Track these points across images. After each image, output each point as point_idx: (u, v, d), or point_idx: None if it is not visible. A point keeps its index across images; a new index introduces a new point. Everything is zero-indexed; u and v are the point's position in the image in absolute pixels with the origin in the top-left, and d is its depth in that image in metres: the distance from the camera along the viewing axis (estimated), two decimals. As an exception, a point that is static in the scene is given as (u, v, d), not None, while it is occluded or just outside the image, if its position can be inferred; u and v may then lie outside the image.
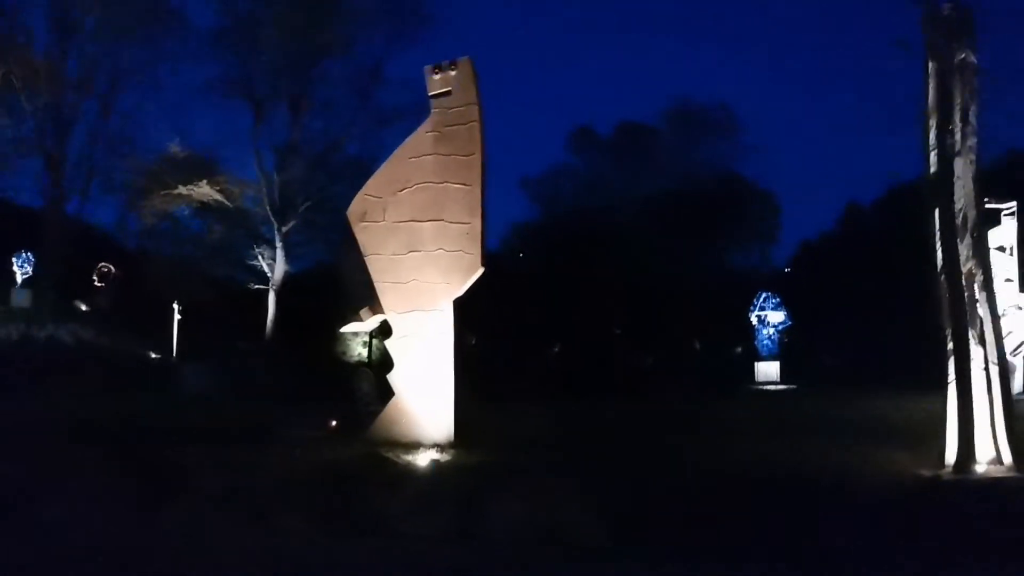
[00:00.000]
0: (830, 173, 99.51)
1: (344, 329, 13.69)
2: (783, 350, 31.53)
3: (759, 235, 48.58)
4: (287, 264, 35.14)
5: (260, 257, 34.97)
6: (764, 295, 32.34)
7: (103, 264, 36.93)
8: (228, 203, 34.48)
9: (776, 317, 31.72)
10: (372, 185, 13.54)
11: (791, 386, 27.86)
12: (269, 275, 34.84)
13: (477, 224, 12.93)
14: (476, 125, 13.04)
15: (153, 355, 32.61)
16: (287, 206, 34.37)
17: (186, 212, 35.38)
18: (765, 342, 31.52)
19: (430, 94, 13.25)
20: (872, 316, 36.63)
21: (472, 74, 13.11)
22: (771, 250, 50.08)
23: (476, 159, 12.99)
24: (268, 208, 34.22)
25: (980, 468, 10.80)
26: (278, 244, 34.58)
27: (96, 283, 37.02)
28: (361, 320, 13.40)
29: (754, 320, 31.92)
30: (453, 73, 13.07)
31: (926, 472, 11.07)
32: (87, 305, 35.85)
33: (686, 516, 9.17)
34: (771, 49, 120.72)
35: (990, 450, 10.99)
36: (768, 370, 30.32)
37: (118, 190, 36.46)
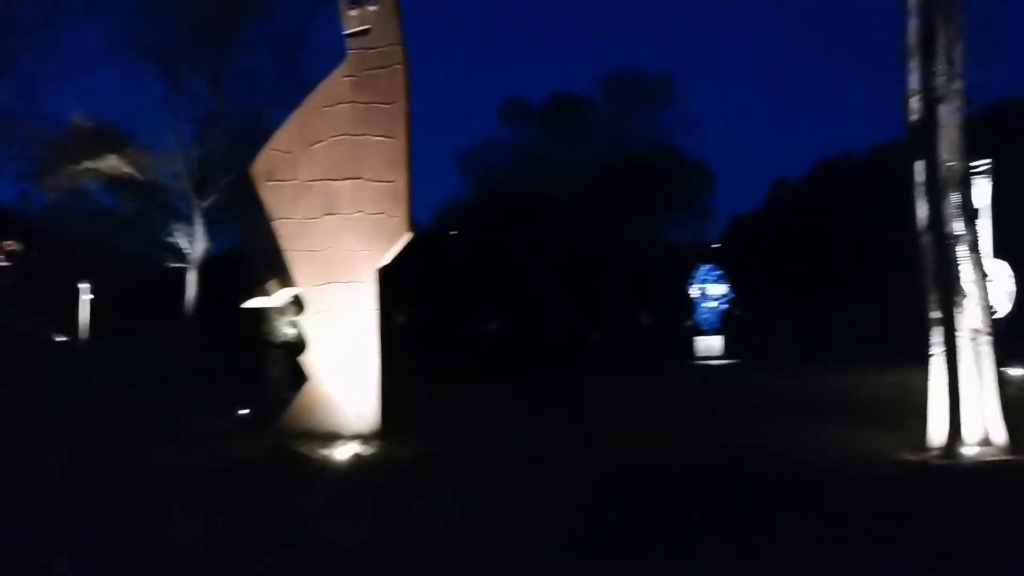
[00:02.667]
0: (758, 148, 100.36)
1: (248, 304, 12.00)
2: (725, 323, 30.52)
3: (695, 208, 48.01)
4: (208, 241, 33.06)
5: (178, 234, 32.85)
6: (705, 267, 31.24)
7: (7, 241, 34.46)
8: (141, 176, 32.20)
9: (718, 290, 30.66)
10: (280, 138, 11.80)
11: (734, 360, 26.85)
12: (188, 253, 32.74)
13: (402, 182, 11.33)
14: (400, 69, 11.40)
15: (58, 338, 30.43)
16: (207, 180, 32.19)
17: (95, 187, 33.15)
18: (706, 315, 30.44)
19: (345, 32, 11.54)
20: (806, 291, 36.33)
21: (395, 10, 11.44)
22: (706, 224, 49.82)
23: (400, 108, 11.36)
24: (186, 182, 32.04)
25: (969, 450, 9.65)
26: (198, 220, 32.46)
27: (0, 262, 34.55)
28: (267, 294, 11.73)
29: (695, 293, 30.80)
30: (372, 8, 11.37)
31: (911, 455, 9.91)
32: (-10, 285, 33.36)
33: (647, 512, 7.85)
34: (705, 16, 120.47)
35: (979, 430, 9.84)
36: (710, 344, 29.27)
37: (18, 163, 33.77)
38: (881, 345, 19.11)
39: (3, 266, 34.50)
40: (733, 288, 30.71)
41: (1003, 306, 16.74)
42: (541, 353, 25.87)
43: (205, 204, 32.12)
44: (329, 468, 9.91)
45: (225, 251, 34.93)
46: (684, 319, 31.79)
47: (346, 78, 11.54)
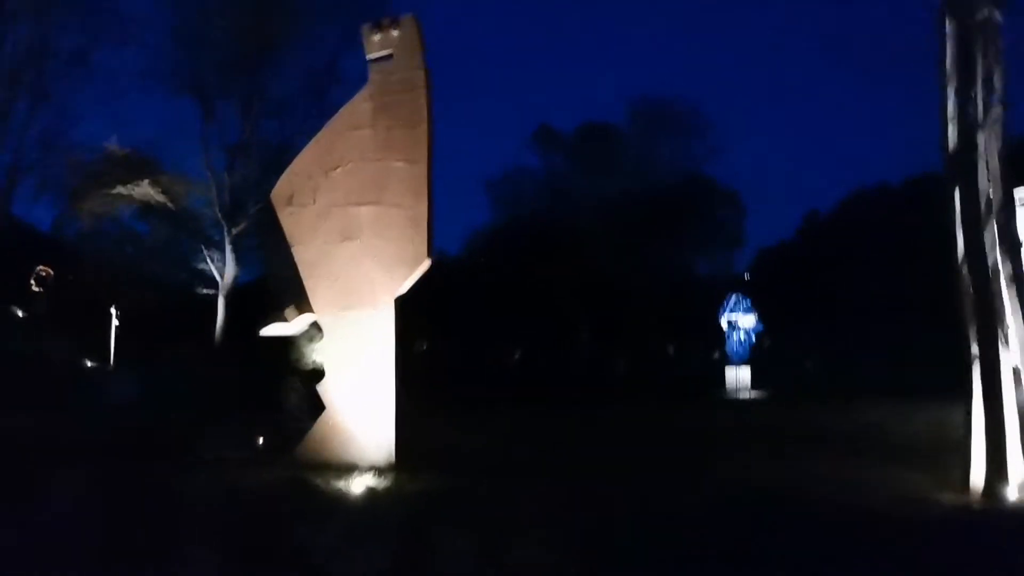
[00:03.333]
0: (790, 178, 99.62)
1: (265, 331, 11.77)
2: (754, 355, 29.98)
3: (724, 239, 47.49)
4: (238, 268, 33.20)
5: (209, 260, 33.05)
6: (734, 298, 30.79)
7: (41, 267, 34.75)
8: (173, 204, 32.50)
9: (747, 321, 30.19)
10: (300, 163, 11.63)
11: (763, 393, 26.26)
12: (218, 279, 32.89)
13: (423, 208, 11.08)
14: (422, 93, 11.20)
15: (89, 363, 30.51)
16: (237, 208, 32.49)
17: (128, 213, 33.52)
18: (736, 347, 29.93)
19: (368, 57, 11.39)
20: (838, 323, 35.68)
21: (418, 34, 11.25)
22: (736, 254, 49.29)
23: (422, 132, 11.15)
24: (217, 210, 32.29)
25: (1012, 493, 9.14)
26: (228, 247, 32.64)
27: (34, 287, 34.81)
28: (286, 320, 11.50)
29: (724, 324, 30.32)
30: (395, 33, 11.21)
31: (950, 498, 9.42)
32: (24, 311, 33.61)
33: (676, 553, 7.47)
34: (737, 45, 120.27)
35: (1021, 472, 9.34)
36: (739, 375, 28.74)
37: (53, 189, 34.19)
38: (915, 379, 18.56)
39: (37, 291, 34.78)
40: (762, 319, 30.20)
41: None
42: (566, 384, 25.46)
43: (235, 232, 32.36)
44: (342, 500, 9.61)
45: (255, 279, 35.05)
46: (713, 350, 31.31)
47: (368, 103, 11.37)
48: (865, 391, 20.27)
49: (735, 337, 29.85)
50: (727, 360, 29.70)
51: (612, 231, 39.43)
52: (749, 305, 30.54)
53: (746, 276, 46.24)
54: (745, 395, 26.42)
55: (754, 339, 29.98)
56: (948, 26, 10.07)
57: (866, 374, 26.91)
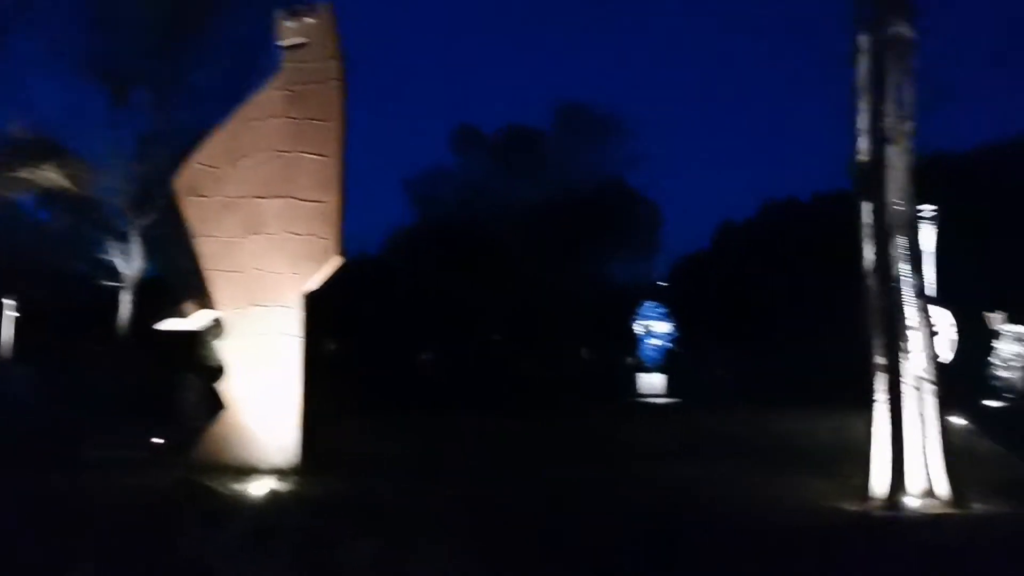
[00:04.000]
0: (707, 188, 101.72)
1: (162, 326, 11.27)
2: (668, 362, 30.24)
3: (641, 246, 48.01)
4: (144, 261, 32.02)
5: (114, 252, 31.77)
6: (649, 304, 31.02)
7: (-69, 256, 32.90)
8: (77, 191, 31.13)
9: (662, 327, 30.41)
10: (206, 152, 11.15)
11: (676, 399, 26.50)
12: (123, 272, 31.65)
13: (334, 203, 10.75)
14: (336, 84, 10.87)
15: (-24, 358, 29.05)
16: (146, 198, 31.25)
17: (28, 200, 31.97)
18: (650, 353, 30.13)
19: (281, 45, 11.00)
20: (750, 331, 36.47)
21: (333, 24, 10.92)
22: (653, 262, 49.91)
23: (335, 125, 10.82)
24: (124, 199, 31.06)
25: (912, 502, 9.31)
26: (134, 239, 31.44)
27: (-78, 278, 32.93)
28: (184, 316, 11.02)
29: (639, 330, 30.52)
30: (310, 21, 10.87)
31: (852, 506, 9.53)
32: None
33: (575, 559, 7.33)
34: (659, 55, 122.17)
35: (923, 481, 9.52)
36: (652, 381, 28.92)
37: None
38: (823, 389, 18.88)
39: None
40: (677, 326, 30.49)
41: (945, 355, 16.63)
42: (477, 387, 25.24)
43: (143, 223, 31.17)
44: (240, 504, 9.21)
45: (162, 272, 33.92)
46: (627, 356, 31.48)
47: (279, 92, 10.97)
48: (774, 400, 20.56)
49: (649, 343, 30.03)
50: (641, 366, 29.87)
51: (531, 234, 39.44)
52: (664, 312, 30.78)
53: (661, 283, 46.83)
54: (658, 401, 26.58)
55: (668, 345, 30.23)
56: (861, 41, 10.23)
57: (775, 383, 27.38)
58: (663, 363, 29.71)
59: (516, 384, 28.30)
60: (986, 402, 23.90)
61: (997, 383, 26.86)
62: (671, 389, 28.03)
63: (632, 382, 28.85)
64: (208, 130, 11.34)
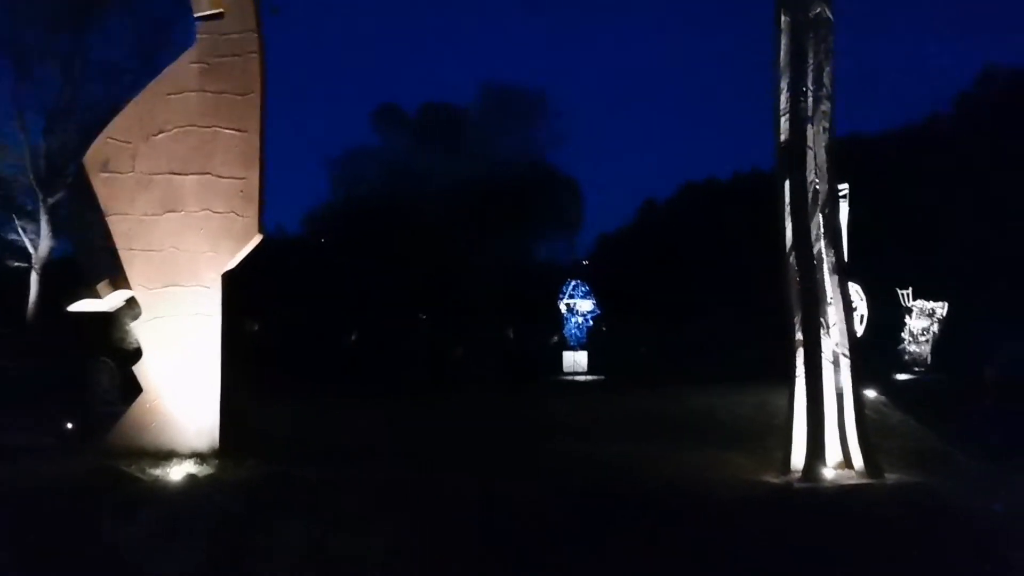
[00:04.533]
0: (630, 168, 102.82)
1: (75, 307, 10.80)
2: (592, 340, 30.50)
3: (564, 225, 48.23)
4: (54, 240, 30.83)
5: (21, 231, 30.51)
6: (573, 283, 31.17)
7: None
8: (-21, 167, 29.76)
9: (585, 306, 30.61)
10: (118, 126, 10.67)
11: (600, 377, 26.74)
12: (31, 252, 30.44)
13: (254, 180, 10.45)
14: (255, 58, 10.52)
15: None
16: (55, 175, 30.08)
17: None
18: (574, 331, 30.34)
19: (196, 15, 10.58)
20: (672, 309, 37.02)
21: (252, -6, 10.58)
22: (575, 241, 50.26)
23: (254, 100, 10.49)
24: (31, 177, 29.82)
25: (828, 473, 9.57)
26: (43, 217, 30.23)
27: None
28: (99, 296, 10.58)
29: (563, 308, 30.68)
30: (227, -9, 10.49)
31: (772, 479, 9.77)
32: None
33: (505, 537, 7.35)
34: (583, 35, 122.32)
35: (840, 453, 9.80)
36: (576, 359, 29.13)
37: None
38: (745, 365, 19.28)
39: None
40: (600, 304, 30.74)
41: (856, 328, 17.10)
42: (403, 368, 25.04)
43: (51, 201, 30.02)
44: (160, 490, 8.95)
45: (72, 252, 32.73)
46: (552, 334, 31.62)
47: (195, 64, 10.56)
48: (697, 376, 20.89)
49: (573, 321, 30.22)
50: (565, 344, 30.05)
51: (454, 214, 39.21)
52: (587, 290, 30.96)
53: (585, 262, 47.16)
54: (582, 379, 26.78)
55: (592, 324, 30.46)
56: (783, 21, 10.36)
57: (698, 360, 27.83)
58: (587, 341, 29.94)
59: (442, 364, 28.18)
60: (897, 375, 24.75)
61: (907, 357, 27.85)
62: (595, 367, 28.26)
63: (557, 361, 28.99)
64: (117, 104, 10.87)
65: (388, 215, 38.03)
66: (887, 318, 26.27)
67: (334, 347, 31.05)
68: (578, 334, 29.96)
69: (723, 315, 33.00)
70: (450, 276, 35.58)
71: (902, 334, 28.22)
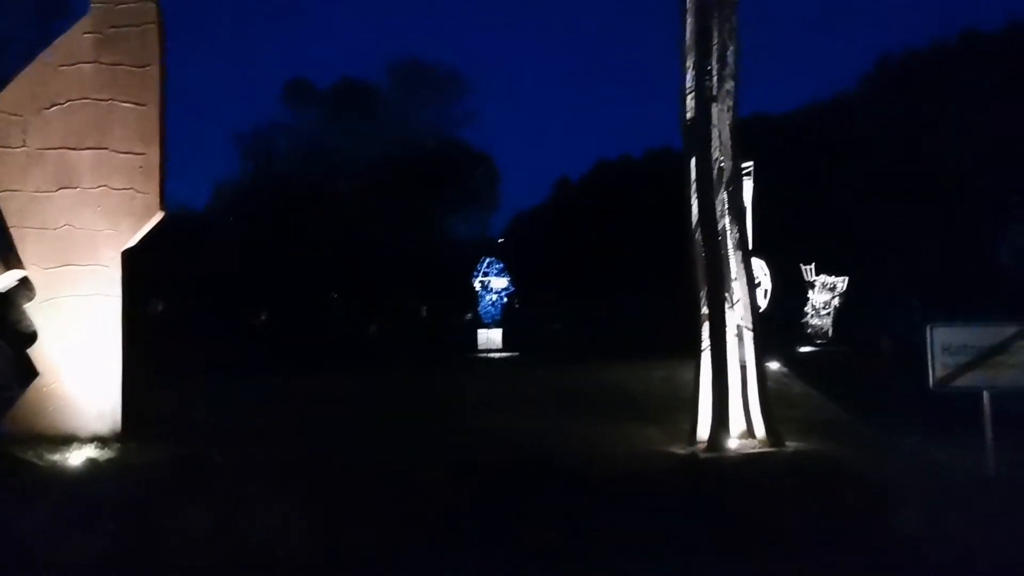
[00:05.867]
0: (544, 145, 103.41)
1: (-40, 288, 10.34)
2: (506, 317, 30.68)
3: (479, 202, 48.26)
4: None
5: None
6: (487, 260, 31.28)
7: None
8: None
9: (499, 283, 30.76)
10: (7, 98, 10.14)
11: (514, 353, 26.94)
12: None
13: (155, 155, 10.13)
14: (153, 28, 10.17)
15: None
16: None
17: None
18: (488, 308, 30.45)
19: (90, -18, 10.18)
20: (585, 286, 37.51)
21: (149, -39, 10.19)
22: (490, 219, 50.35)
23: (153, 71, 10.14)
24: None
25: (732, 443, 9.85)
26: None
27: None
28: (-10, 276, 10.13)
29: (477, 286, 30.76)
30: (122, -42, 10.08)
31: (679, 449, 10.01)
32: None
33: (409, 515, 7.36)
34: (497, 11, 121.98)
35: (743, 423, 10.10)
36: (491, 337, 29.25)
37: None
38: (655, 341, 19.64)
39: None
40: (514, 282, 30.91)
41: (761, 303, 17.59)
42: (314, 348, 24.74)
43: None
44: (59, 475, 8.67)
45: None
46: (466, 312, 31.67)
47: (88, 35, 10.12)
48: (609, 352, 21.20)
49: (488, 299, 30.32)
50: (479, 322, 30.13)
51: (367, 191, 38.82)
52: (502, 268, 31.08)
53: (499, 240, 47.28)
54: (496, 356, 26.91)
55: (506, 301, 30.62)
56: (688, 1, 10.51)
57: (610, 336, 28.25)
58: (501, 318, 30.08)
59: (354, 342, 27.95)
60: (800, 348, 25.59)
61: (809, 330, 28.82)
62: (509, 344, 28.43)
63: (471, 338, 29.06)
64: (9, 77, 10.38)
65: (300, 192, 37.45)
66: (791, 293, 27.12)
67: (243, 327, 30.47)
68: (492, 311, 30.08)
69: (636, 292, 33.56)
70: (364, 254, 35.26)
71: (805, 308, 29.18)
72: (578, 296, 36.30)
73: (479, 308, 30.39)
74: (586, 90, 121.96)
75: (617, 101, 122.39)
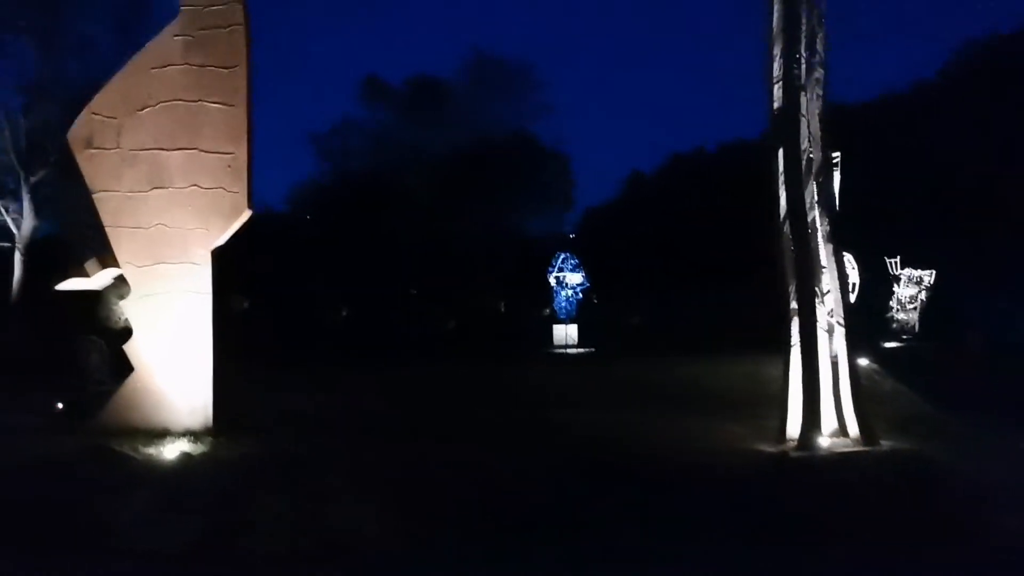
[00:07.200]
0: (616, 139, 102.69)
1: (63, 286, 10.66)
2: (582, 313, 30.51)
3: (552, 197, 48.01)
4: (36, 219, 30.50)
5: (3, 211, 30.17)
6: (563, 256, 31.11)
7: None
8: (-41, 147, 29.36)
9: (574, 279, 30.59)
10: (101, 101, 10.46)
11: (590, 349, 26.79)
12: (14, 231, 30.10)
13: (242, 154, 10.27)
14: (240, 30, 10.32)
15: None
16: (36, 153, 29.71)
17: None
18: (563, 304, 30.32)
19: (179, -13, 10.39)
20: (662, 280, 37.05)
21: (235, -35, 10.36)
22: (564, 213, 50.14)
23: (240, 72, 10.29)
24: (12, 155, 29.43)
25: (824, 441, 9.57)
26: (25, 196, 29.88)
27: None
28: (87, 275, 10.44)
29: (552, 282, 30.65)
30: (210, -38, 10.26)
31: (768, 447, 9.77)
32: None
33: (500, 511, 7.33)
34: (567, 8, 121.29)
35: (835, 421, 9.81)
36: (567, 332, 29.13)
37: None
38: (735, 335, 19.32)
39: None
40: (589, 277, 30.72)
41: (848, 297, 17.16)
42: (395, 342, 24.98)
43: (34, 179, 29.69)
44: (153, 468, 8.89)
45: (57, 231, 32.46)
46: (541, 307, 31.60)
47: (178, 37, 10.34)
48: (688, 347, 20.94)
49: (563, 295, 30.19)
50: (555, 317, 30.05)
51: (442, 188, 39.01)
52: (576, 263, 30.93)
53: (573, 235, 47.09)
54: (573, 352, 26.79)
55: (581, 296, 30.47)
56: (775, -13, 10.24)
57: (687, 330, 27.91)
58: (577, 314, 29.94)
59: (432, 338, 28.14)
60: (884, 343, 24.91)
61: (895, 324, 28.04)
62: (586, 339, 28.30)
63: (547, 333, 29.00)
64: (97, 79, 10.65)
65: (376, 189, 37.82)
66: (877, 286, 26.41)
67: (325, 322, 30.95)
68: (568, 307, 29.94)
69: (713, 286, 33.06)
70: (439, 250, 35.50)
71: (890, 302, 28.40)
72: (655, 291, 35.90)
73: (554, 303, 30.30)
74: (659, 84, 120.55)
75: (691, 94, 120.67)
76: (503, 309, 35.28)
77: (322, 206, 40.50)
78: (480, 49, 62.81)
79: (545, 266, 30.96)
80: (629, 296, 35.89)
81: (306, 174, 46.72)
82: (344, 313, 33.32)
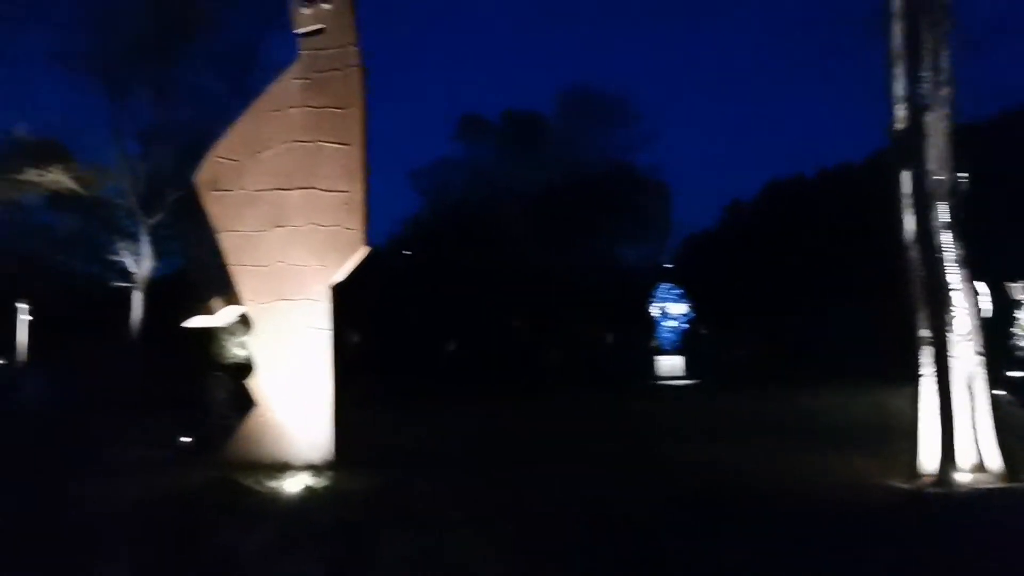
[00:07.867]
0: (713, 168, 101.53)
1: (189, 324, 11.07)
2: (686, 343, 29.98)
3: (651, 227, 47.66)
4: (154, 260, 31.88)
5: (124, 252, 31.62)
6: (665, 286, 30.73)
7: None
8: (84, 192, 30.97)
9: (678, 309, 30.14)
10: (225, 145, 10.90)
11: (696, 380, 26.28)
12: (134, 272, 31.50)
13: (358, 192, 10.51)
14: (356, 72, 10.61)
15: (-2, 361, 29.05)
16: (154, 197, 31.17)
17: (36, 203, 31.86)
18: (667, 335, 29.86)
19: (297, 32, 10.73)
20: (768, 310, 36.17)
21: (351, 8, 10.65)
22: (664, 243, 49.67)
23: (356, 113, 10.57)
24: (132, 199, 30.91)
25: (963, 477, 9.06)
26: (144, 238, 31.30)
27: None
28: (211, 313, 10.81)
29: (655, 312, 30.25)
30: (326, 7, 10.59)
31: (902, 483, 9.30)
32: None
33: (619, 548, 7.13)
34: (665, 34, 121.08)
35: (973, 455, 9.27)
36: (672, 364, 28.66)
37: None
38: (849, 365, 18.65)
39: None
40: (694, 307, 30.22)
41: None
42: (502, 375, 25.02)
43: (152, 222, 31.08)
44: (278, 501, 9.06)
45: (173, 271, 33.84)
46: (644, 339, 31.22)
47: (297, 80, 10.71)
48: (801, 378, 20.31)
49: (666, 325, 29.77)
50: (660, 348, 29.62)
51: (541, 220, 39.24)
52: (679, 293, 30.49)
53: (669, 265, 46.57)
54: (679, 383, 26.35)
55: (686, 327, 29.98)
56: (894, 5, 9.94)
57: (794, 360, 27.16)
58: (681, 345, 29.45)
59: (538, 370, 28.09)
60: (1008, 372, 23.63)
61: (1019, 352, 26.62)
62: (691, 370, 27.80)
63: (651, 365, 28.60)
64: (209, 125, 11.09)
65: (477, 224, 38.32)
66: (999, 313, 25.16)
67: (435, 356, 31.29)
68: (672, 337, 29.50)
69: (821, 314, 32.12)
70: (539, 281, 35.62)
71: (1013, 329, 26.99)
72: (761, 321, 35.11)
73: (658, 335, 29.89)
74: (752, 112, 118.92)
75: (784, 122, 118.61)
76: (610, 340, 35.00)
77: (425, 241, 41.23)
78: (576, 82, 63.13)
79: (645, 296, 30.63)
80: (735, 326, 35.15)
81: (406, 210, 47.81)
82: (452, 347, 33.63)
